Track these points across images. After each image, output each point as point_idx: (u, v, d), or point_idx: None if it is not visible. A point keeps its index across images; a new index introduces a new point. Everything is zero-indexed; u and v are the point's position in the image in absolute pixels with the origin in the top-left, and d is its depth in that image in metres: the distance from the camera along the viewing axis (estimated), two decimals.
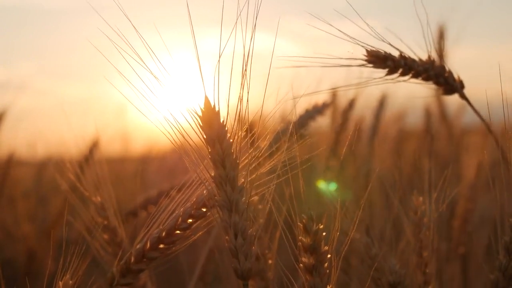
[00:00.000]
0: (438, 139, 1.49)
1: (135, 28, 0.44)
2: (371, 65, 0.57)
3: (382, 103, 1.26)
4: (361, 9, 0.54)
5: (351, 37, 0.55)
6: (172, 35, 0.48)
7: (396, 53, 0.58)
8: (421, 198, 0.64)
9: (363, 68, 0.57)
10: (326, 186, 0.76)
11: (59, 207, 1.20)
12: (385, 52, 0.57)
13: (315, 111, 0.79)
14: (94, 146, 1.12)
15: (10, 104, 1.31)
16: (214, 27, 0.46)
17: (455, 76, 0.60)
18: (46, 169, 1.65)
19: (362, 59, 0.57)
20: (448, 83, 0.59)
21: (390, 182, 0.68)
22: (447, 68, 0.59)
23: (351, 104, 1.03)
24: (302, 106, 0.80)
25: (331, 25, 0.53)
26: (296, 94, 0.55)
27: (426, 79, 0.59)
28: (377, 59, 0.57)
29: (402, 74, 0.59)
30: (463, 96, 0.60)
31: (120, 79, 0.46)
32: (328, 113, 0.83)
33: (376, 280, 0.62)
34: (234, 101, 0.45)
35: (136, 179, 1.22)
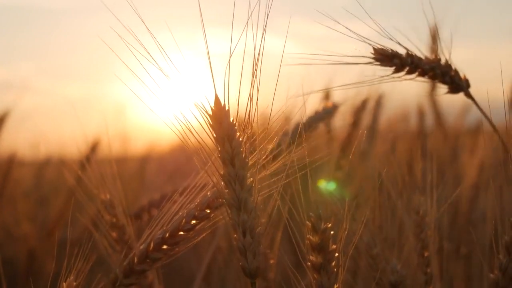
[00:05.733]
0: (434, 139, 1.49)
1: (146, 26, 0.44)
2: (378, 63, 0.57)
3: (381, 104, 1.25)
4: (364, 8, 0.54)
5: (357, 36, 0.54)
6: (179, 35, 0.48)
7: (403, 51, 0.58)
8: (422, 198, 0.64)
9: (369, 68, 0.57)
10: (332, 186, 0.76)
11: (61, 207, 1.20)
12: (392, 50, 0.57)
13: (325, 113, 0.78)
14: (96, 145, 1.13)
15: (10, 104, 1.31)
16: (221, 28, 0.46)
17: (461, 75, 0.60)
18: (47, 169, 1.65)
19: (369, 57, 0.57)
20: (454, 82, 0.59)
21: (393, 182, 0.68)
22: (453, 67, 0.59)
23: (363, 104, 1.01)
24: (311, 106, 0.80)
25: (338, 22, 0.53)
26: (304, 94, 0.55)
27: (432, 77, 0.59)
28: (384, 57, 0.57)
29: (409, 73, 0.58)
30: (468, 95, 0.60)
31: (123, 78, 0.46)
32: (338, 114, 0.82)
33: (377, 280, 0.62)
34: (243, 100, 0.46)
35: (138, 179, 1.22)
